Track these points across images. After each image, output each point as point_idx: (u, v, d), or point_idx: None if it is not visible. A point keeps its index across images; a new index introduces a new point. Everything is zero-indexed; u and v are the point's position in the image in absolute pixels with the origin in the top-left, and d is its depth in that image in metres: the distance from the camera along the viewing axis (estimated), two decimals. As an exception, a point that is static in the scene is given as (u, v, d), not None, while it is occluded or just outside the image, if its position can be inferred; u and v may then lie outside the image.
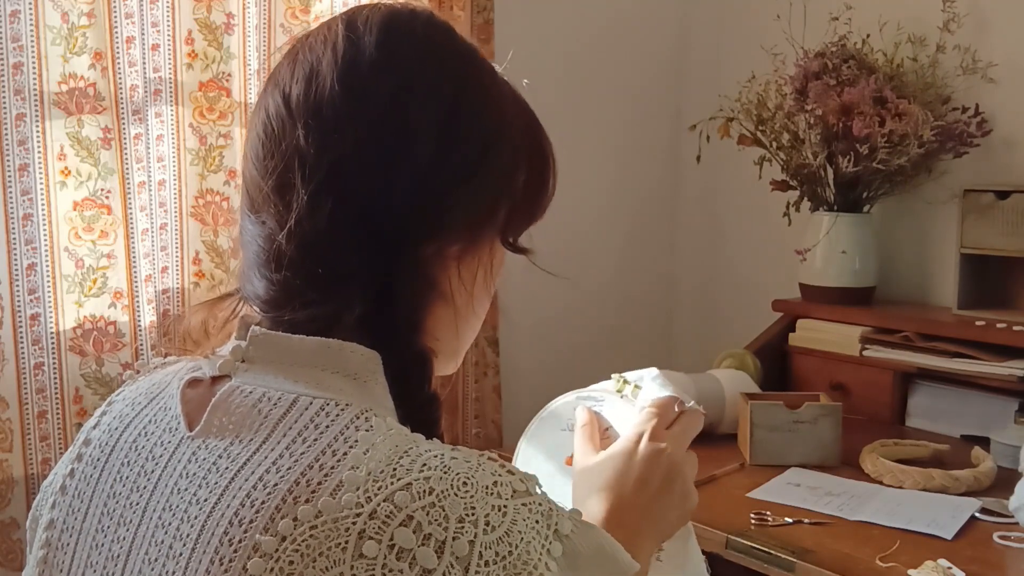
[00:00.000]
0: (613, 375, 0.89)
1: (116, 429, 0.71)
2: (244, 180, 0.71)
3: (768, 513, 1.46)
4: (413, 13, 0.70)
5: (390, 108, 0.66)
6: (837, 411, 1.70)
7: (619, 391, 0.87)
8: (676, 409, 0.83)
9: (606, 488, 0.78)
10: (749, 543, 1.37)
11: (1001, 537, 1.38)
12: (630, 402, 0.86)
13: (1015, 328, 1.78)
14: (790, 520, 1.44)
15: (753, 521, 1.44)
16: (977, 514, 1.45)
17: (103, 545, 0.66)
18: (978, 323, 1.85)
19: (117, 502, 0.67)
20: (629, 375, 0.88)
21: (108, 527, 0.66)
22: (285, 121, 0.66)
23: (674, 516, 0.80)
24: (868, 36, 2.06)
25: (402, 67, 0.67)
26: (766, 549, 1.35)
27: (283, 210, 0.65)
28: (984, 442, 1.73)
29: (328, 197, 0.64)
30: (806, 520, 1.44)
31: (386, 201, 0.65)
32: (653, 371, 0.88)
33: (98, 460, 0.70)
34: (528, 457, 0.92)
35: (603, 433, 0.85)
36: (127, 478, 0.67)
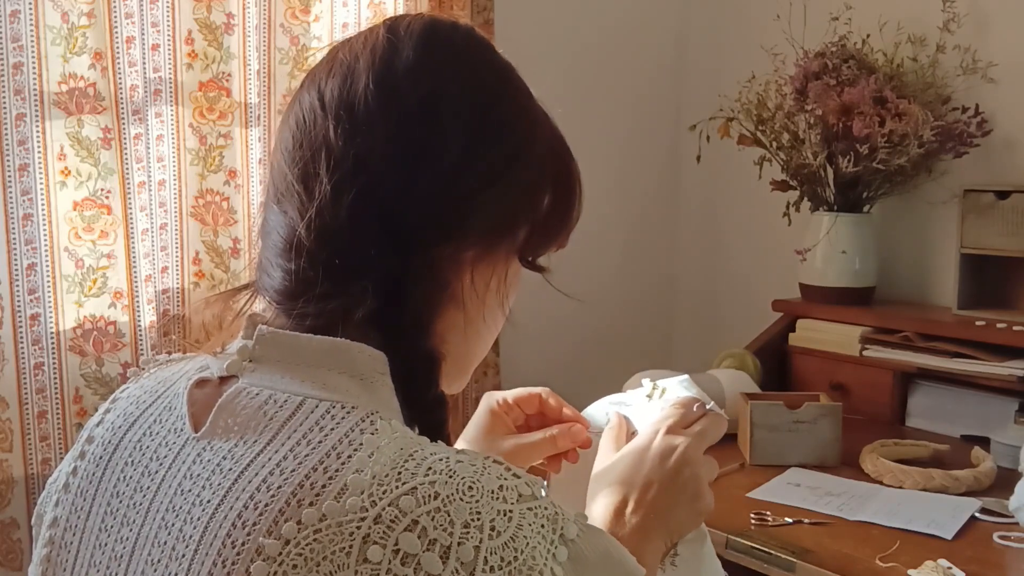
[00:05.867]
0: (644, 381, 0.89)
1: (120, 427, 0.71)
2: (271, 171, 0.72)
3: (768, 513, 1.46)
4: (455, 25, 0.72)
5: (421, 109, 0.67)
6: (837, 411, 1.70)
7: (648, 396, 0.88)
8: (696, 410, 0.83)
9: (616, 483, 0.78)
10: (749, 543, 1.37)
11: (1001, 537, 1.38)
12: (656, 404, 0.86)
13: (1015, 328, 1.78)
14: (790, 520, 1.44)
15: (753, 521, 1.44)
16: (977, 514, 1.45)
17: (106, 544, 0.66)
18: (978, 323, 1.85)
19: (120, 501, 0.67)
20: (661, 381, 0.88)
21: (111, 526, 0.66)
22: (318, 115, 0.68)
23: (684, 514, 0.79)
24: (868, 36, 2.06)
25: (437, 72, 0.68)
26: (766, 549, 1.35)
27: (306, 200, 0.66)
28: (984, 442, 1.73)
29: (351, 189, 0.65)
30: (806, 520, 1.44)
31: (407, 198, 0.66)
32: (683, 376, 0.88)
33: (101, 458, 0.70)
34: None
35: (630, 437, 0.85)
36: (131, 478, 0.67)
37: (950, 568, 1.26)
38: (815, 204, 2.09)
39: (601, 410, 0.90)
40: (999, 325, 1.82)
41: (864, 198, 2.05)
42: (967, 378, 1.82)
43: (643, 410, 0.87)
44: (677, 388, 0.87)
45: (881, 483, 1.59)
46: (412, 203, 0.66)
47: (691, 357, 2.47)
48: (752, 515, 1.45)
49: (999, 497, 1.49)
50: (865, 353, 1.97)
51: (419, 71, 0.68)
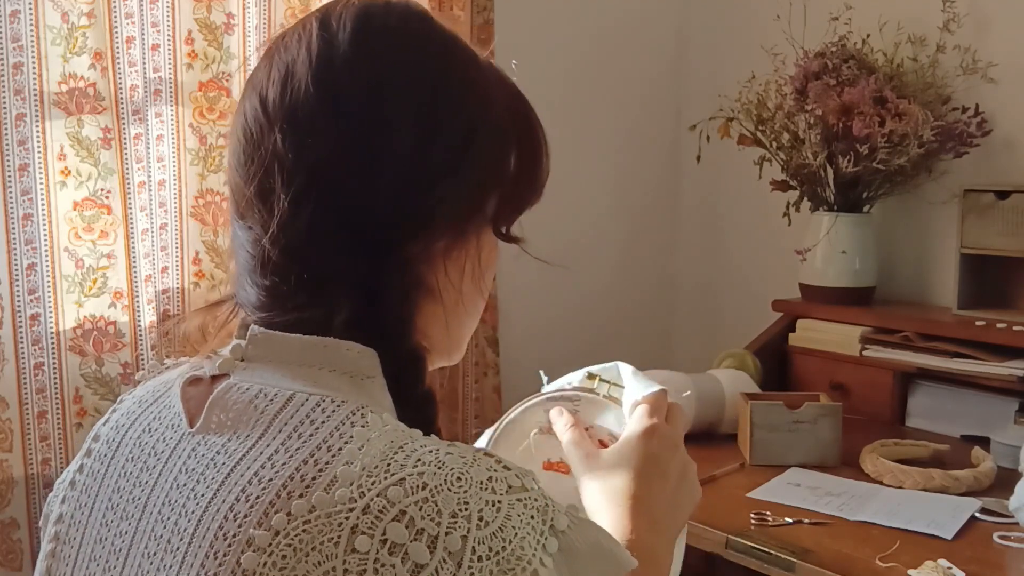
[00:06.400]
0: (577, 372, 0.87)
1: (123, 426, 0.71)
2: (229, 185, 0.70)
3: (768, 513, 1.46)
4: (388, 5, 0.69)
5: (366, 105, 0.65)
6: (837, 411, 1.69)
7: (595, 391, 0.86)
8: (664, 401, 0.83)
9: (633, 484, 0.77)
10: (749, 543, 1.37)
11: (1001, 537, 1.38)
12: (612, 401, 0.85)
13: (1015, 328, 1.78)
14: (790, 520, 1.44)
15: (753, 521, 1.44)
16: (977, 514, 1.45)
17: (106, 539, 0.67)
18: (978, 323, 1.85)
19: (121, 497, 0.67)
20: (594, 368, 0.86)
21: (111, 521, 0.67)
22: (263, 125, 0.66)
23: (690, 510, 0.80)
24: (868, 36, 2.06)
25: (376, 62, 0.66)
26: (766, 549, 1.35)
27: (266, 215, 0.65)
28: (984, 442, 1.73)
29: (308, 201, 0.64)
30: (806, 520, 1.44)
31: (368, 201, 0.64)
32: (625, 366, 0.87)
33: (105, 456, 0.71)
34: None
35: (588, 432, 0.84)
36: (131, 474, 0.68)
37: (950, 568, 1.25)
38: (815, 204, 2.09)
39: (536, 408, 0.86)
40: (999, 325, 1.82)
41: (864, 198, 2.05)
42: (967, 378, 1.82)
43: (601, 409, 0.84)
44: (634, 382, 0.84)
45: (881, 483, 1.59)
46: (374, 205, 0.64)
47: (691, 357, 2.47)
48: (752, 515, 1.45)
49: (999, 497, 1.49)
50: (865, 353, 1.97)
51: (358, 65, 0.65)
